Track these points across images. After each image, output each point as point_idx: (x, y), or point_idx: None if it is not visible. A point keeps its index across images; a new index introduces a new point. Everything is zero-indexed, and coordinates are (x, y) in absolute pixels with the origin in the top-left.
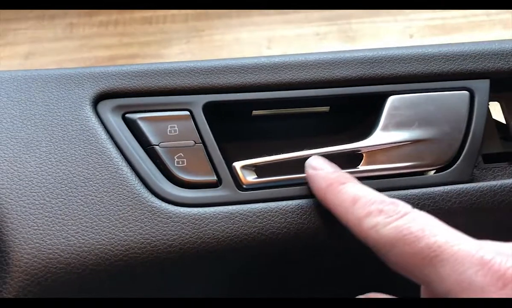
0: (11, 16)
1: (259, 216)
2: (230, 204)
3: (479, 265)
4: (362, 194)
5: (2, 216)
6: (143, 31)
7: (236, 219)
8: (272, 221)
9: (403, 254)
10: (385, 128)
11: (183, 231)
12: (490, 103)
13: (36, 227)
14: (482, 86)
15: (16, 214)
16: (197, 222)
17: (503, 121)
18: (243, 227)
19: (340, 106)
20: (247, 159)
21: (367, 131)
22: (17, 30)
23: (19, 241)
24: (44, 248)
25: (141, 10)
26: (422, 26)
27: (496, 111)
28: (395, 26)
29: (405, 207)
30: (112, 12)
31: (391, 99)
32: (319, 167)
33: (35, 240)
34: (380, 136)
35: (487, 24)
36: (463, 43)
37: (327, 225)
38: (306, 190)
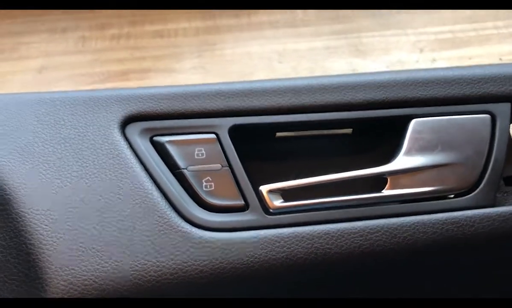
0: (23, 29)
1: (287, 241)
2: (258, 228)
3: None
4: None
5: (38, 242)
6: (154, 45)
7: (264, 244)
8: (299, 246)
9: None
10: (409, 152)
11: (213, 256)
12: (511, 126)
13: (71, 254)
14: (503, 110)
15: (52, 241)
16: (227, 247)
17: None
18: (271, 253)
19: (363, 129)
20: (271, 180)
21: (389, 154)
22: (29, 44)
23: (55, 267)
24: (79, 275)
25: (152, 23)
26: (432, 40)
27: None
28: (405, 40)
29: None
30: (123, 25)
31: (413, 123)
32: None
33: (70, 267)
34: (404, 161)
35: (497, 38)
36: (483, 66)
37: (354, 251)
38: (333, 214)
